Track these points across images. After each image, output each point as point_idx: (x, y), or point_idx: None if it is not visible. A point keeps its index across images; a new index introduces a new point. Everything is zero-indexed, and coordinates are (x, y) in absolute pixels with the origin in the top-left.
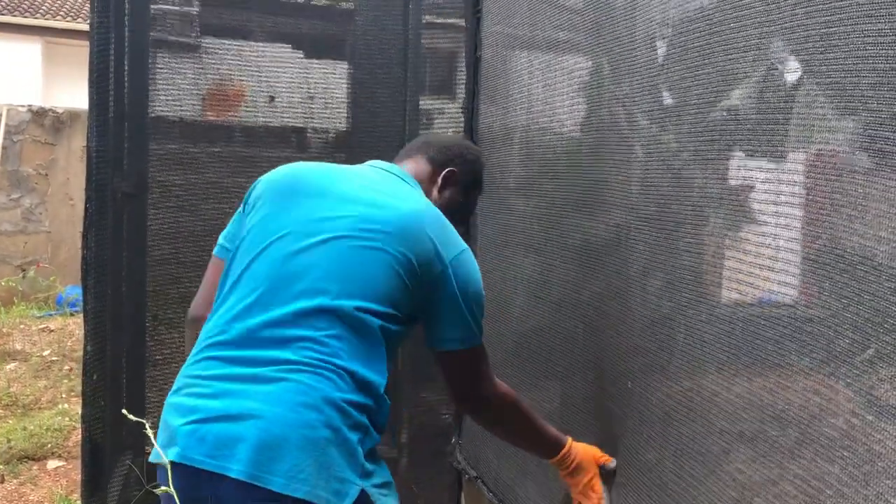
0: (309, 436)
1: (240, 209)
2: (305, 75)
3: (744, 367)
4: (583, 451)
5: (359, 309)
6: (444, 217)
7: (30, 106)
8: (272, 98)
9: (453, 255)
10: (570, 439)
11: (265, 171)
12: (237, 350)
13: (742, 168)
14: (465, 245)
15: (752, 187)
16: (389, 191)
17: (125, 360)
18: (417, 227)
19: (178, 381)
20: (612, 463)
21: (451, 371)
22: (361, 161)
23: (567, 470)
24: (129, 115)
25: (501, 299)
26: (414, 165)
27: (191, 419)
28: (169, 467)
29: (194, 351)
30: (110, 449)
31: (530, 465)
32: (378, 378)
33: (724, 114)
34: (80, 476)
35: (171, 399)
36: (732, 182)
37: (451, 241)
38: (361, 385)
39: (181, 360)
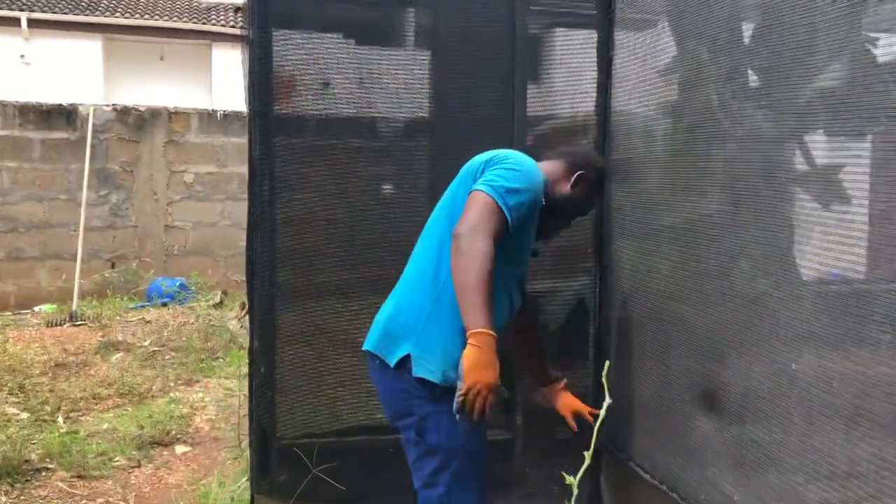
0: None
1: None
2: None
3: None
4: (483, 359)
5: None
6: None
7: (114, 105)
8: (327, 84)
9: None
10: (493, 337)
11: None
12: None
13: None
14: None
15: None
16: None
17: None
18: (481, 159)
19: None
20: (505, 392)
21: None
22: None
23: (471, 352)
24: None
25: (641, 287)
26: (550, 165)
27: None
28: None
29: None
30: (278, 436)
31: (696, 445)
32: None
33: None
34: (249, 462)
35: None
36: None
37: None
38: None
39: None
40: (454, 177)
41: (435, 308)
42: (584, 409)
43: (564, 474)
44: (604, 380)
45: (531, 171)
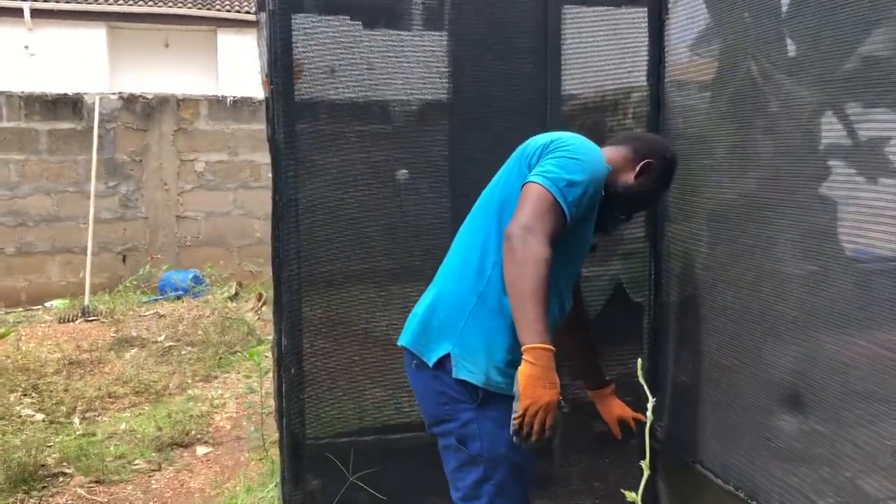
0: None
1: None
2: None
3: None
4: (541, 377)
5: None
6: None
7: (120, 93)
8: (332, 70)
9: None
10: (551, 352)
11: None
12: None
13: None
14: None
15: None
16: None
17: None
18: (538, 142)
19: None
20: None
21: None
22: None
23: (528, 369)
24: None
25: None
26: (614, 151)
27: None
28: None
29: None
30: (310, 441)
31: (781, 448)
32: None
33: None
34: (279, 470)
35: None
36: None
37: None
38: None
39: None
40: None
41: (479, 305)
42: (630, 415)
43: (625, 491)
44: (640, 378)
45: (594, 161)
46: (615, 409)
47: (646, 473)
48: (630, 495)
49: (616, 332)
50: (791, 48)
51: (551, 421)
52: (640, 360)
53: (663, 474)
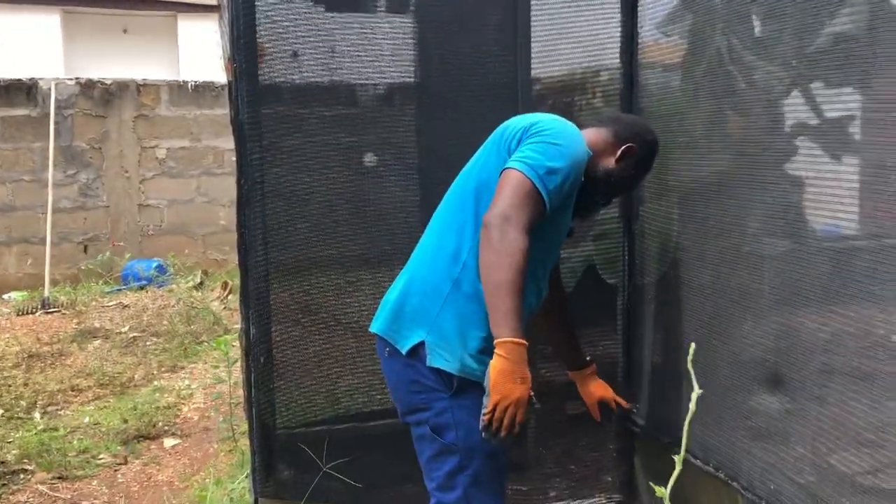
0: None
1: None
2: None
3: None
4: (513, 371)
5: None
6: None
7: (77, 78)
8: (295, 54)
9: None
10: (524, 346)
11: None
12: None
13: None
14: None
15: None
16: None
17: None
18: (518, 124)
19: None
20: (536, 403)
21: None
22: None
23: (499, 363)
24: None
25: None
26: (594, 134)
27: None
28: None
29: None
30: (280, 431)
31: (759, 427)
32: None
33: None
34: (250, 461)
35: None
36: None
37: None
38: None
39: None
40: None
41: (453, 291)
42: (611, 396)
43: (653, 485)
44: (689, 367)
45: (575, 146)
46: (597, 390)
47: (678, 468)
48: (660, 491)
49: (590, 313)
50: (759, 27)
51: (522, 417)
52: (692, 346)
53: (642, 456)
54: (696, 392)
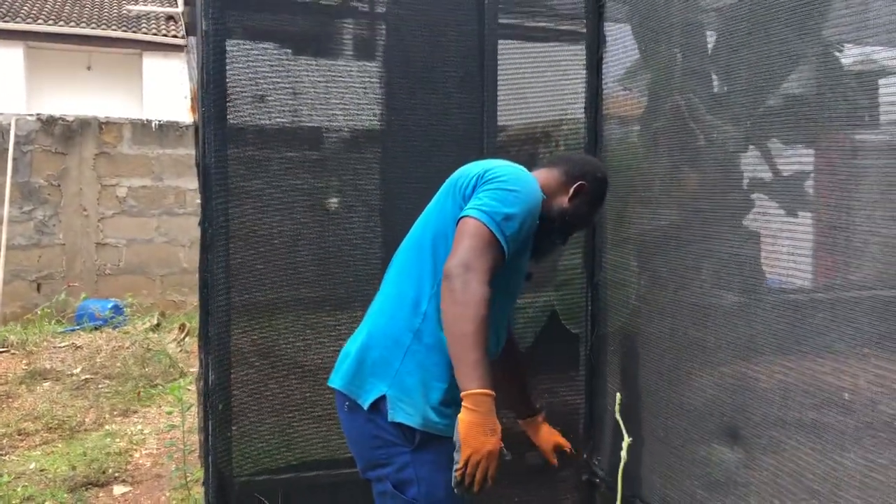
0: None
1: None
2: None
3: None
4: (482, 424)
5: None
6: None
7: (38, 115)
8: (262, 97)
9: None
10: (492, 397)
11: None
12: None
13: None
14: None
15: None
16: (478, 162)
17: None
18: (470, 172)
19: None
20: (507, 455)
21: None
22: None
23: (468, 416)
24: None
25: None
26: (546, 175)
27: None
28: None
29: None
30: (237, 479)
31: (716, 478)
32: None
33: None
34: None
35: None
36: None
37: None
38: None
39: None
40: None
41: (414, 342)
42: (565, 444)
43: None
44: (618, 416)
45: (530, 191)
46: (551, 436)
47: None
48: None
49: (553, 363)
50: (716, 84)
51: (494, 470)
52: (618, 396)
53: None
54: (627, 440)
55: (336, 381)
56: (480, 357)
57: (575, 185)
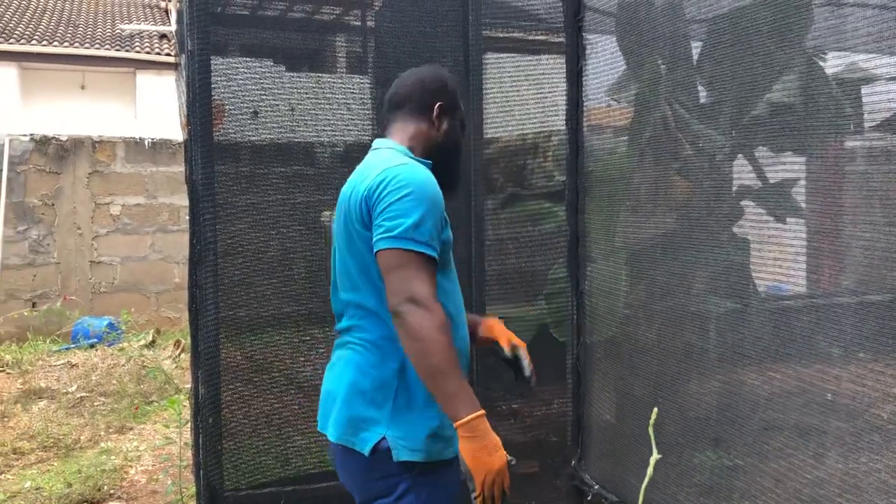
0: None
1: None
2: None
3: None
4: (484, 446)
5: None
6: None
7: (32, 134)
8: (255, 113)
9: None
10: (483, 414)
11: None
12: None
13: None
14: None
15: None
16: (356, 178)
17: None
18: (355, 200)
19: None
20: (512, 460)
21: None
22: None
23: (468, 445)
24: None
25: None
26: (401, 128)
27: None
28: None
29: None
30: (228, 493)
31: (704, 483)
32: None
33: None
34: None
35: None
36: None
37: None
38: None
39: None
40: None
41: (400, 381)
42: (520, 343)
43: None
44: (650, 430)
45: (416, 180)
46: (497, 326)
47: None
48: None
49: (541, 371)
50: (702, 94)
51: (507, 480)
52: (655, 410)
53: None
54: (655, 456)
55: (329, 431)
56: (458, 383)
57: (434, 113)
